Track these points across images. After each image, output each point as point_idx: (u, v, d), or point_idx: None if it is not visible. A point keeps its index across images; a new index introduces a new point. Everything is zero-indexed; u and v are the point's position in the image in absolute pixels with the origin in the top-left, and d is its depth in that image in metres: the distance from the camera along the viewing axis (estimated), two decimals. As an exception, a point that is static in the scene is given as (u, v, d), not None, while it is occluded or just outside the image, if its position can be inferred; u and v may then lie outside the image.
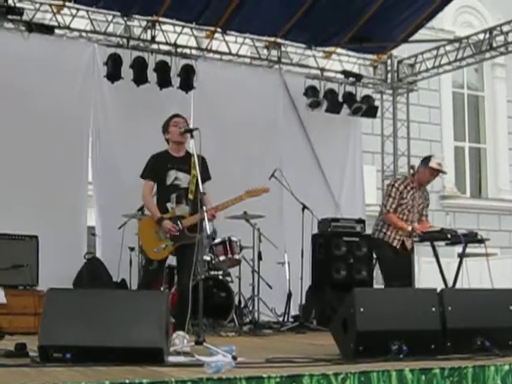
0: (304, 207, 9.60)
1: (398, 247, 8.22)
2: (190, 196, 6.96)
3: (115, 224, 9.33)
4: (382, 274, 8.65)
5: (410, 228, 8.14)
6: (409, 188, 8.31)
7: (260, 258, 9.64)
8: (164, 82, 10.60)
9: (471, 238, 8.28)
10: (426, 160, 8.36)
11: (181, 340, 5.65)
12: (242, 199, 7.20)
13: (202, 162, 6.54)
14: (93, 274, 9.48)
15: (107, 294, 5.24)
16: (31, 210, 9.69)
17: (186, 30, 11.28)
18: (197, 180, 6.41)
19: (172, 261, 7.65)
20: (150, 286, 7.18)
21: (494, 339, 5.37)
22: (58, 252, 9.51)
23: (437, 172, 8.34)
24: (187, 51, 11.28)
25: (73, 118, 10.28)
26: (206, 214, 5.87)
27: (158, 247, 6.95)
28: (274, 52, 12.06)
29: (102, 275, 9.55)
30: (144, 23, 11.00)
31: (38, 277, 8.46)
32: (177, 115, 7.19)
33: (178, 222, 6.94)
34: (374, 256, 10.18)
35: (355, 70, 12.90)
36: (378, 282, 11.85)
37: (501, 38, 11.58)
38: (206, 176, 6.79)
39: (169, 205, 7.00)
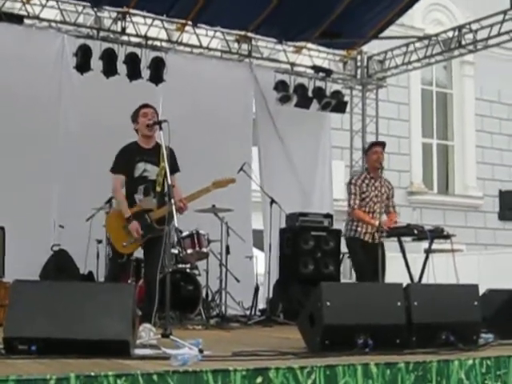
0: (272, 201, 9.62)
1: (369, 241, 8.31)
2: (158, 188, 6.95)
3: (82, 216, 9.28)
4: (356, 273, 8.75)
5: (377, 223, 8.22)
6: (367, 180, 8.49)
7: (228, 251, 9.64)
8: (134, 74, 10.55)
9: (437, 233, 8.37)
10: (365, 149, 8.92)
11: (147, 332, 5.63)
12: (209, 190, 7.20)
13: (171, 153, 6.52)
14: (60, 266, 9.43)
15: (74, 286, 5.22)
16: (-2, 201, 9.61)
17: (157, 22, 11.25)
18: (165, 172, 6.40)
19: (139, 253, 7.63)
20: (117, 279, 7.16)
21: (458, 334, 5.42)
22: (24, 243, 9.43)
23: (377, 146, 8.54)
24: (157, 43, 11.24)
25: (42, 109, 10.20)
26: (173, 207, 5.85)
27: (126, 241, 6.93)
28: (245, 46, 12.06)
29: (69, 267, 9.51)
30: (114, 14, 10.94)
31: (4, 268, 8.38)
32: (146, 105, 7.15)
33: (146, 216, 6.92)
34: (342, 251, 10.27)
35: (325, 65, 12.94)
36: (346, 277, 11.95)
37: (470, 36, 11.68)
38: (174, 168, 6.79)
39: (136, 196, 6.98)
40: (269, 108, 12.23)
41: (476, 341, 5.58)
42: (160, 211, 6.86)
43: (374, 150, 8.56)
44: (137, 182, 6.99)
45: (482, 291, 6.08)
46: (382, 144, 8.67)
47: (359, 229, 8.45)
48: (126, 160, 7.03)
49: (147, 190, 6.95)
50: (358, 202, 8.44)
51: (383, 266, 8.17)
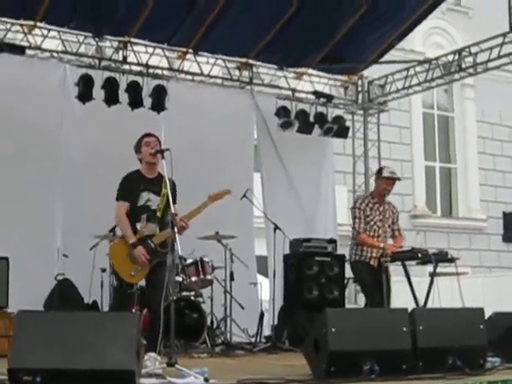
0: (276, 227, 9.61)
1: (375, 265, 8.29)
2: (158, 214, 6.97)
3: (85, 245, 9.26)
4: (365, 295, 8.73)
5: (382, 245, 8.23)
6: (371, 204, 8.50)
7: (232, 278, 9.62)
8: (135, 102, 10.58)
9: (442, 257, 8.36)
10: (379, 172, 8.74)
11: (152, 362, 5.62)
12: (206, 205, 7.22)
13: (173, 186, 6.56)
14: (64, 295, 9.39)
15: (78, 316, 5.20)
16: (2, 231, 9.59)
17: (158, 50, 11.30)
18: (167, 199, 6.43)
19: (143, 282, 7.61)
20: (124, 309, 7.15)
21: (465, 358, 5.40)
22: (28, 273, 9.41)
23: (391, 180, 8.52)
24: (159, 72, 11.28)
25: (45, 139, 10.22)
26: (177, 236, 5.86)
27: (134, 270, 6.92)
28: (246, 73, 12.10)
29: (73, 297, 9.47)
30: (116, 44, 10.99)
31: (8, 298, 8.37)
32: (148, 134, 7.19)
33: (149, 241, 6.93)
34: (347, 276, 10.25)
35: (326, 90, 12.97)
36: (350, 302, 11.90)
37: (469, 59, 11.72)
38: (174, 200, 6.80)
39: (138, 225, 7.00)
40: (271, 134, 12.25)
41: (483, 365, 5.56)
42: (162, 234, 6.89)
43: (388, 182, 8.53)
44: (140, 211, 7.01)
45: (487, 314, 6.07)
46: (397, 179, 8.65)
47: (364, 253, 8.45)
48: (130, 188, 7.05)
49: (149, 218, 6.98)
50: (362, 225, 8.45)
51: (388, 290, 8.16)
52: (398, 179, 8.69)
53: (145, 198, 7.00)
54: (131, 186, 7.06)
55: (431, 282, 8.29)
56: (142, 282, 7.62)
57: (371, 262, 8.38)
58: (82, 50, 11.00)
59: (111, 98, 10.41)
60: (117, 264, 7.14)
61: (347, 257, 9.08)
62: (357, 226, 8.48)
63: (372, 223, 8.47)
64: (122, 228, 7.29)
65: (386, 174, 8.59)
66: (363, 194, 11.73)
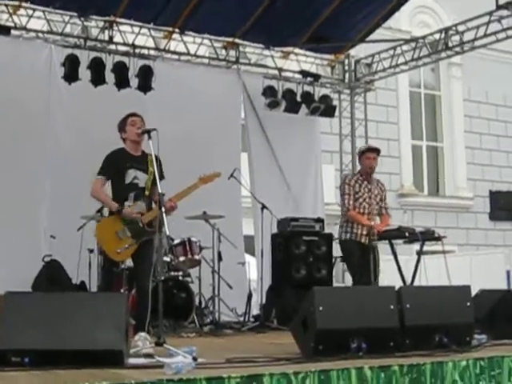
0: (263, 207, 9.62)
1: (366, 242, 8.30)
2: (147, 192, 6.95)
3: (73, 226, 9.24)
4: (351, 274, 8.75)
5: (372, 223, 8.26)
6: (359, 181, 8.55)
7: (220, 258, 9.64)
8: (122, 82, 10.54)
9: (428, 235, 8.40)
10: (359, 151, 8.87)
11: (143, 341, 5.64)
12: (196, 187, 7.17)
13: (159, 163, 6.53)
14: (52, 276, 9.39)
15: (66, 296, 5.20)
16: (-13, 213, 9.60)
17: (144, 30, 11.25)
18: (154, 179, 6.43)
19: (131, 262, 7.61)
20: (111, 289, 7.14)
21: (452, 335, 5.43)
22: (16, 255, 9.41)
23: (371, 152, 8.57)
24: (145, 52, 11.24)
25: (30, 119, 10.18)
26: (164, 215, 5.86)
27: (120, 247, 6.89)
28: (232, 52, 12.07)
29: (61, 278, 9.47)
30: (101, 24, 10.94)
31: (-4, 280, 8.37)
32: (133, 114, 7.13)
33: (137, 220, 6.91)
34: (334, 255, 10.28)
35: (313, 69, 12.96)
36: (338, 281, 11.96)
37: (456, 38, 11.73)
38: (161, 176, 6.77)
39: (126, 203, 6.95)
40: (258, 114, 12.24)
41: (469, 342, 5.59)
42: (150, 214, 6.86)
43: (367, 156, 8.59)
44: (127, 189, 6.97)
45: (474, 292, 6.10)
46: (376, 150, 8.69)
47: (355, 230, 8.47)
48: (114, 165, 7.01)
49: (137, 196, 6.94)
50: (352, 202, 8.48)
51: (376, 269, 8.19)
52: (377, 150, 8.71)
53: (131, 175, 6.96)
54: (116, 163, 7.00)
55: (418, 261, 8.33)
56: (130, 262, 7.61)
57: (362, 240, 8.40)
58: (68, 30, 10.96)
59: (97, 79, 10.37)
60: (103, 242, 7.10)
61: (336, 235, 9.09)
62: (346, 203, 8.51)
63: (361, 200, 8.51)
64: (100, 199, 7.23)
65: (363, 148, 8.74)
66: (351, 173, 11.77)
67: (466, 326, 5.65)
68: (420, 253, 8.39)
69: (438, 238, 8.44)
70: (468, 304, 5.70)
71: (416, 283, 8.12)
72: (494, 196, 21.41)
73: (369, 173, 8.60)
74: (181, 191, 7.07)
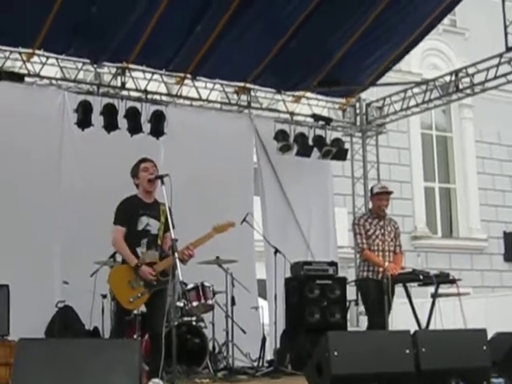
0: (276, 251, 9.59)
1: (384, 280, 8.23)
2: (159, 241, 6.94)
3: (86, 271, 9.24)
4: (367, 313, 8.68)
5: (385, 264, 8.22)
6: (370, 219, 8.56)
7: (233, 302, 9.60)
8: (134, 128, 10.60)
9: (443, 278, 8.35)
10: (371, 190, 8.87)
11: (156, 388, 5.61)
12: (211, 236, 7.14)
13: (169, 211, 6.56)
14: (65, 322, 9.37)
15: (79, 343, 5.19)
16: (2, 258, 9.57)
17: (156, 76, 11.34)
18: (165, 227, 6.44)
19: (144, 307, 7.58)
20: (124, 335, 7.10)
21: (468, 379, 5.39)
22: (29, 301, 9.39)
23: (383, 195, 8.57)
24: (157, 97, 11.32)
25: (44, 166, 10.25)
26: (177, 261, 5.85)
27: (133, 296, 6.87)
28: (244, 97, 12.13)
29: (75, 324, 9.45)
30: (114, 70, 11.04)
31: (9, 326, 8.35)
32: (145, 159, 7.14)
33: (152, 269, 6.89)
34: (348, 298, 10.24)
35: (324, 113, 13.01)
36: (352, 325, 11.87)
37: (467, 80, 11.78)
38: (172, 224, 6.77)
39: (139, 249, 6.94)
40: (270, 158, 12.27)
41: (486, 386, 5.53)
42: (163, 263, 6.83)
43: (380, 197, 8.60)
44: (140, 236, 6.97)
45: (490, 334, 6.05)
46: (388, 193, 8.69)
47: (372, 268, 8.45)
48: (128, 213, 7.01)
49: (150, 243, 6.93)
50: (365, 241, 8.48)
51: (389, 307, 8.11)
52: (389, 193, 8.72)
53: (144, 222, 6.96)
54: (130, 211, 7.01)
55: (433, 304, 8.27)
56: (143, 308, 7.59)
57: (379, 278, 8.34)
58: (81, 76, 11.05)
59: (110, 124, 10.43)
60: (116, 290, 7.08)
61: (352, 277, 9.07)
62: (359, 242, 8.52)
63: (374, 237, 8.50)
64: (121, 251, 7.21)
65: (376, 189, 8.72)
66: (361, 213, 11.77)
67: (482, 369, 5.60)
68: (435, 296, 8.34)
69: (453, 281, 8.39)
70: (484, 347, 5.66)
71: (431, 327, 8.05)
72: (509, 237, 21.29)
73: (380, 213, 8.61)
74: (194, 241, 7.04)
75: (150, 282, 6.77)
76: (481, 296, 16.29)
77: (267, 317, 11.07)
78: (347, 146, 12.94)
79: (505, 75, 11.19)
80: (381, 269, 8.33)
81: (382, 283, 8.23)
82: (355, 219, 8.86)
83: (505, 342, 6.47)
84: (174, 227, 6.75)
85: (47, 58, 10.52)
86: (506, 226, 21.28)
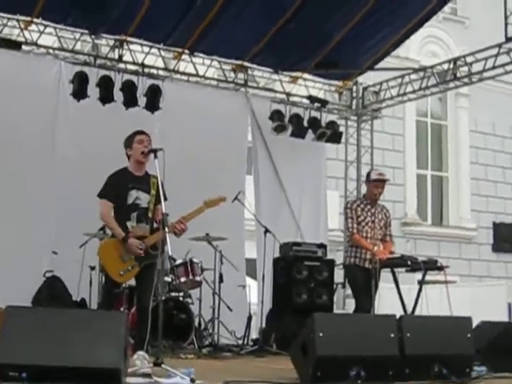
0: (266, 230, 9.61)
1: (370, 267, 8.25)
2: (150, 215, 6.93)
3: (75, 242, 9.24)
4: (355, 297, 8.70)
5: (375, 248, 8.23)
6: (362, 205, 8.54)
7: (221, 280, 9.62)
8: (130, 101, 10.57)
9: (431, 265, 8.37)
10: (368, 176, 8.78)
11: (142, 361, 5.62)
12: (202, 210, 7.12)
13: (161, 183, 6.54)
14: (52, 292, 9.38)
15: (66, 313, 5.19)
16: (-9, 227, 9.60)
17: (154, 50, 11.30)
18: (156, 200, 6.43)
19: (132, 281, 7.59)
20: (111, 307, 7.11)
21: (451, 366, 5.41)
22: (16, 269, 9.40)
23: (380, 182, 8.55)
24: (154, 71, 11.29)
25: (38, 135, 10.23)
26: (167, 235, 5.85)
27: (123, 269, 6.86)
28: (241, 75, 12.11)
29: (62, 294, 9.46)
30: (112, 42, 10.99)
31: (-4, 294, 8.36)
32: (141, 132, 7.11)
33: (142, 243, 6.88)
34: (336, 281, 10.27)
35: (321, 95, 13.00)
36: (339, 307, 11.92)
37: (465, 69, 11.77)
38: (164, 197, 6.74)
39: (129, 223, 6.92)
40: (264, 137, 12.26)
41: (469, 373, 5.58)
42: (154, 237, 6.82)
43: (376, 184, 8.56)
44: (130, 209, 6.95)
45: (475, 323, 6.08)
46: (385, 181, 8.67)
47: (359, 255, 8.44)
48: (116, 186, 6.98)
49: (140, 217, 6.92)
50: (356, 225, 8.46)
51: (376, 286, 8.13)
52: (386, 180, 8.70)
53: (133, 196, 6.94)
54: (118, 185, 6.97)
55: (420, 290, 8.29)
56: (131, 281, 7.59)
57: (366, 265, 8.36)
58: (78, 47, 11.01)
59: (106, 97, 10.40)
60: (106, 263, 7.07)
61: (338, 261, 9.08)
62: (350, 226, 8.49)
63: (363, 224, 8.49)
64: (108, 224, 7.20)
65: (373, 176, 8.66)
66: (354, 197, 11.78)
67: (465, 357, 5.63)
68: (422, 282, 8.36)
69: (441, 268, 8.41)
70: (468, 335, 5.69)
71: (417, 313, 8.08)
72: (498, 228, 21.36)
73: (373, 199, 8.60)
74: (186, 215, 7.04)
75: (137, 255, 6.77)
76: (467, 285, 16.35)
77: (255, 296, 11.11)
78: (342, 129, 12.95)
79: (503, 65, 11.18)
80: (368, 255, 8.33)
81: (368, 270, 8.25)
82: (348, 203, 8.83)
83: (489, 331, 6.50)
84: (166, 199, 6.75)
85: (45, 26, 10.47)
86: (496, 216, 21.34)
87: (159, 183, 6.39)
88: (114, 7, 10.20)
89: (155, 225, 6.95)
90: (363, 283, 8.30)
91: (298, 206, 12.50)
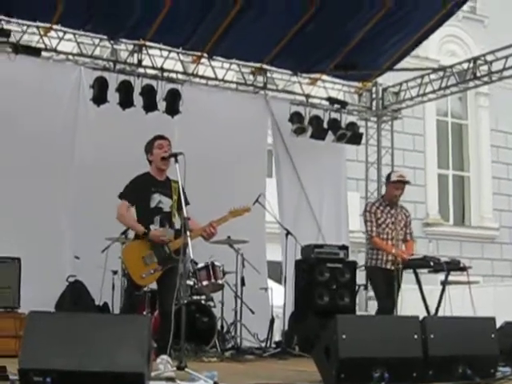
0: (288, 233, 9.60)
1: (392, 268, 8.21)
2: (174, 220, 6.93)
3: (97, 247, 9.27)
4: (377, 298, 8.68)
5: (393, 252, 8.20)
6: (382, 207, 8.51)
7: (243, 283, 9.63)
8: (150, 106, 10.60)
9: (453, 265, 8.34)
10: (388, 177, 8.75)
11: (165, 365, 5.64)
12: (226, 219, 7.13)
13: (183, 189, 6.56)
14: (75, 297, 9.42)
15: (89, 317, 5.21)
16: (14, 232, 9.65)
17: (173, 54, 11.32)
18: (179, 205, 6.45)
19: (154, 285, 7.61)
20: (134, 311, 7.13)
21: (475, 367, 5.39)
22: (40, 274, 9.44)
23: (400, 184, 8.51)
24: (173, 76, 11.30)
25: (58, 140, 10.27)
26: (189, 239, 5.86)
27: (146, 272, 6.87)
28: (260, 78, 12.11)
29: (85, 298, 9.50)
30: (131, 47, 11.03)
31: (20, 299, 8.40)
32: (161, 137, 7.12)
33: (165, 248, 6.89)
34: (358, 283, 10.24)
35: (340, 96, 12.98)
36: (361, 309, 11.90)
37: (484, 68, 11.70)
38: (185, 201, 6.76)
39: (152, 227, 6.93)
40: (284, 139, 12.26)
41: (493, 374, 5.55)
42: (178, 242, 6.81)
43: (396, 186, 8.53)
44: (153, 213, 6.95)
45: (498, 323, 6.05)
46: (405, 183, 8.64)
47: (380, 256, 8.42)
48: (138, 189, 6.99)
49: (163, 220, 6.93)
50: (375, 228, 8.44)
51: (398, 287, 8.11)
52: (407, 182, 8.66)
53: (156, 199, 6.95)
54: (140, 188, 6.99)
55: (443, 291, 8.27)
56: (153, 285, 7.61)
57: (387, 266, 8.34)
58: (97, 52, 11.07)
59: (126, 101, 10.44)
60: (129, 265, 7.08)
61: (360, 262, 9.06)
62: (369, 229, 8.48)
63: (384, 226, 8.47)
64: (127, 223, 7.18)
65: (394, 178, 8.61)
66: (373, 199, 11.74)
67: (490, 357, 5.60)
68: (445, 283, 8.34)
69: (463, 269, 8.38)
70: (492, 336, 5.66)
71: (440, 313, 8.05)
72: (520, 227, 21.26)
73: (393, 201, 8.57)
74: (216, 220, 7.03)
75: (161, 252, 6.77)
76: (490, 285, 16.26)
77: (277, 299, 11.10)
78: (362, 130, 12.92)
79: (523, 64, 11.12)
80: (390, 256, 8.30)
81: (390, 271, 8.22)
82: (367, 206, 8.80)
83: (513, 331, 6.47)
84: (187, 204, 6.75)
85: (64, 33, 10.52)
86: (518, 215, 21.24)
87: (179, 188, 6.40)
88: (132, 12, 10.23)
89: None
90: (385, 285, 8.28)
91: (318, 207, 12.48)
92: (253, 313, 9.64)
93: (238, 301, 9.58)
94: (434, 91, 12.51)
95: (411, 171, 18.59)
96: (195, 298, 9.28)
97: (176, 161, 6.32)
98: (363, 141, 12.99)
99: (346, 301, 10.06)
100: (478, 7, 21.38)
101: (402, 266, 8.12)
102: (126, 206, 6.97)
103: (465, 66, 12.04)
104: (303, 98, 12.44)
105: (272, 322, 9.90)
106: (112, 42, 10.85)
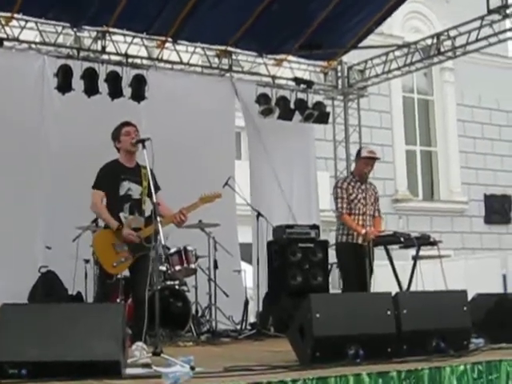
0: (258, 214, 9.62)
1: (364, 244, 8.22)
2: (143, 207, 6.91)
3: (68, 236, 9.23)
4: (342, 276, 8.71)
5: (363, 232, 8.22)
6: (352, 183, 8.52)
7: (216, 266, 9.64)
8: (115, 92, 10.54)
9: (424, 240, 8.38)
10: (358, 153, 8.75)
11: (140, 351, 5.64)
12: (197, 206, 7.11)
13: (151, 173, 6.53)
14: (48, 287, 9.38)
15: (63, 307, 5.20)
16: (-17, 225, 9.58)
17: (137, 40, 11.25)
18: (149, 192, 6.42)
19: (127, 272, 7.59)
20: (107, 299, 7.10)
21: (449, 340, 5.44)
22: (11, 266, 9.39)
23: (370, 160, 8.53)
24: (138, 61, 11.24)
25: (24, 130, 10.17)
26: (160, 225, 5.85)
27: (117, 261, 6.84)
28: (225, 60, 12.07)
29: (57, 289, 9.46)
30: (94, 34, 10.94)
31: (-8, 292, 8.35)
32: (127, 123, 7.06)
33: (136, 234, 6.86)
34: (330, 261, 10.29)
35: (306, 76, 12.96)
36: (334, 287, 11.95)
37: (448, 43, 11.76)
38: (156, 187, 6.74)
39: (122, 214, 6.89)
40: (251, 121, 12.26)
41: (467, 346, 5.61)
42: (149, 229, 6.78)
43: (366, 162, 8.53)
44: (122, 201, 6.92)
45: (470, 296, 6.11)
46: (375, 159, 8.65)
47: (351, 232, 8.41)
48: (109, 178, 6.96)
49: (132, 208, 6.89)
50: (345, 205, 8.43)
51: (370, 272, 8.14)
52: (377, 158, 8.68)
53: (126, 187, 6.91)
54: (110, 176, 6.95)
55: (414, 266, 8.31)
56: (126, 272, 7.59)
57: (359, 241, 8.34)
58: (60, 40, 10.95)
59: (91, 89, 10.36)
60: (100, 253, 7.04)
61: (332, 241, 9.06)
62: (339, 206, 8.45)
63: (356, 201, 8.46)
64: (100, 214, 7.13)
65: (364, 153, 8.61)
66: (343, 175, 11.77)
67: (462, 330, 5.66)
68: (416, 258, 8.38)
69: (434, 243, 8.42)
70: (464, 308, 5.72)
71: (412, 288, 8.11)
72: (489, 200, 21.46)
73: (363, 177, 8.57)
74: (186, 206, 7.01)
75: (133, 243, 6.75)
76: (461, 258, 16.43)
77: (251, 280, 11.13)
78: (329, 109, 12.94)
79: (486, 38, 11.16)
80: (362, 232, 8.33)
81: (361, 246, 8.24)
82: (338, 182, 8.78)
83: (484, 303, 6.54)
84: (159, 189, 6.74)
85: (26, 21, 10.41)
86: (487, 188, 21.43)
87: (149, 174, 6.38)
88: (94, -1, 10.16)
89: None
90: (353, 261, 8.29)
91: (289, 188, 12.51)
92: (227, 296, 9.65)
93: (212, 284, 9.59)
94: (399, 68, 12.56)
95: (379, 148, 18.54)
96: (168, 283, 9.28)
97: (143, 146, 6.29)
98: (330, 120, 13.02)
99: (319, 280, 10.11)
100: (440, -17, 21.45)
101: (372, 244, 8.15)
102: (100, 196, 6.92)
103: (429, 41, 12.08)
104: (269, 80, 12.42)
105: (246, 303, 9.93)
106: (75, 29, 10.75)
